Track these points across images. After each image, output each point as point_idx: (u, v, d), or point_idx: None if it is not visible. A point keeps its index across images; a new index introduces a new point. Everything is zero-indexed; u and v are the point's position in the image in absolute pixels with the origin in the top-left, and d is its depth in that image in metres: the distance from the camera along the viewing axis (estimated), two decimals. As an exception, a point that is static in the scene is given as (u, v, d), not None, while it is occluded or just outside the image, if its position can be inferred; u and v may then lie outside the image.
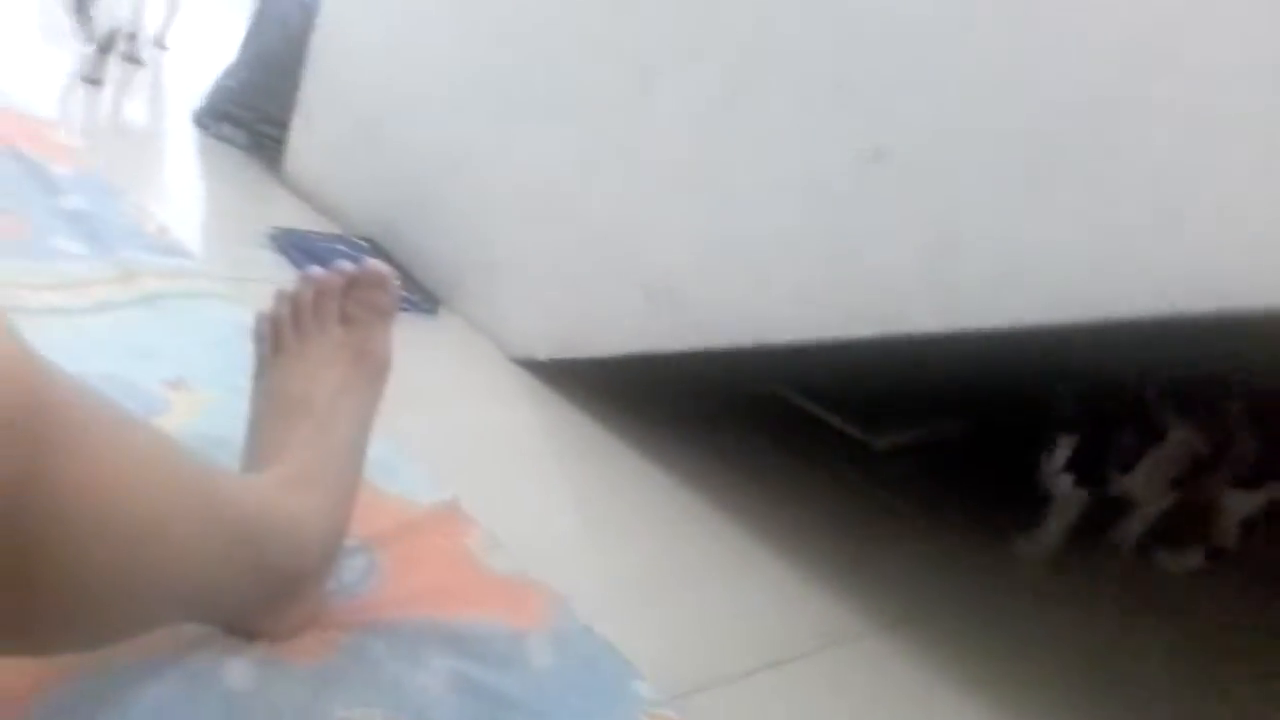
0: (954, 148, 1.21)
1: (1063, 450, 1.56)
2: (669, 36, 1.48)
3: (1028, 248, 1.17)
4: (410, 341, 1.69)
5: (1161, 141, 1.06)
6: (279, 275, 1.67)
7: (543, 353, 1.69)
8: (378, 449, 1.14)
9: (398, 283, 1.07)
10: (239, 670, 0.80)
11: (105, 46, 2.51)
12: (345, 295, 1.03)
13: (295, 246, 1.78)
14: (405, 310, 1.76)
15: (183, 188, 1.96)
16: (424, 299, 1.81)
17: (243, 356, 1.16)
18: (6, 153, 1.46)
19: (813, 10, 1.33)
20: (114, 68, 2.47)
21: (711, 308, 1.45)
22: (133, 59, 2.64)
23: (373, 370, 1.03)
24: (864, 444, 1.85)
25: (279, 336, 1.01)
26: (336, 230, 1.93)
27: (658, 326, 1.52)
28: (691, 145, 1.45)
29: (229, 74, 2.24)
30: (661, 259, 1.50)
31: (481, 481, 1.35)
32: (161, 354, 1.16)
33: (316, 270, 1.04)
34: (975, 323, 1.21)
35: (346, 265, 1.04)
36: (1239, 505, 1.70)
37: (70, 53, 2.60)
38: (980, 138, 1.19)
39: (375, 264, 1.04)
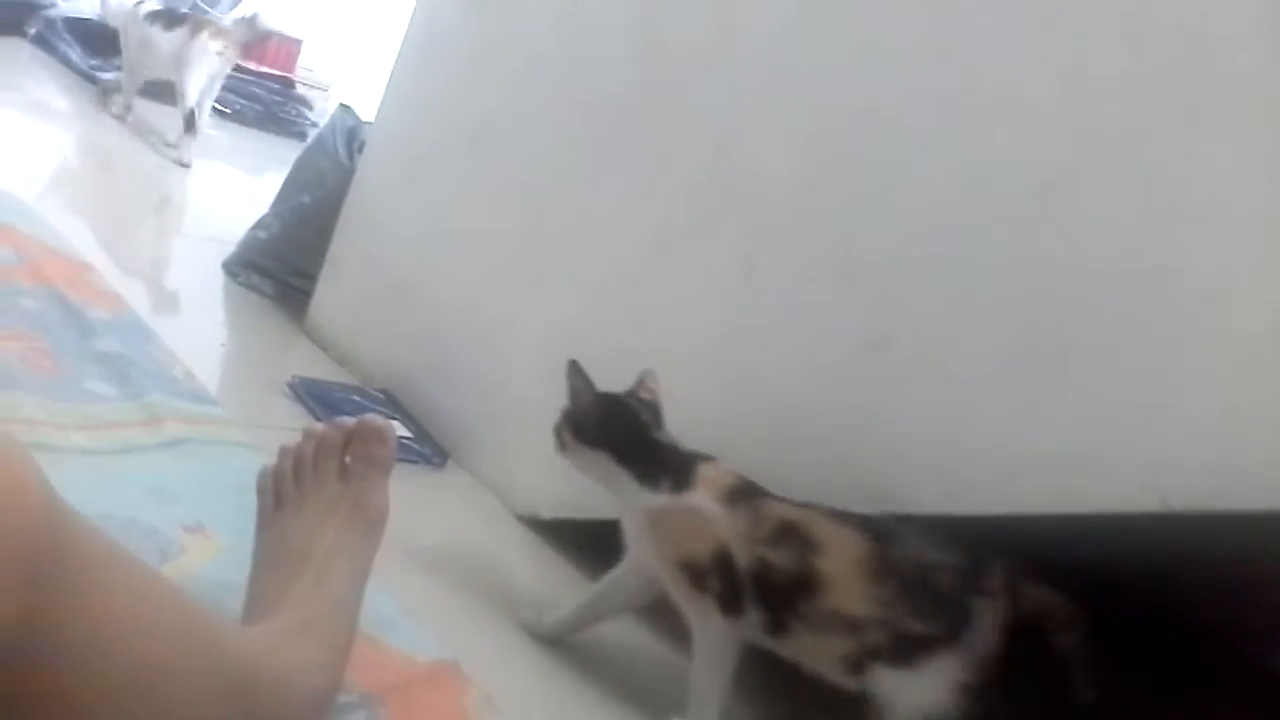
0: (957, 340, 1.27)
1: None
2: (683, 211, 1.56)
3: (1028, 437, 1.21)
4: (417, 494, 1.74)
5: (1156, 345, 1.11)
6: (295, 423, 1.71)
7: (547, 511, 1.72)
8: (381, 603, 1.16)
9: (397, 436, 1.10)
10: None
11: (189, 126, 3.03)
12: (344, 449, 1.07)
13: (312, 395, 1.83)
14: (414, 463, 1.80)
15: (208, 332, 2.01)
16: (434, 452, 1.84)
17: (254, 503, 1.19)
18: (49, 295, 1.53)
19: (815, 195, 1.41)
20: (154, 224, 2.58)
21: (717, 477, 1.48)
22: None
23: (369, 523, 1.05)
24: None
25: (280, 491, 1.05)
26: (354, 381, 1.98)
27: (663, 493, 1.55)
28: (704, 318, 1.51)
29: (261, 225, 2.33)
30: (671, 426, 1.54)
31: (480, 640, 1.36)
32: (181, 498, 1.19)
33: (317, 425, 1.08)
34: (980, 509, 1.24)
35: (346, 420, 1.08)
36: None
37: (116, 192, 2.71)
38: (983, 331, 1.25)
39: (373, 419, 1.09)
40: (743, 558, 1.19)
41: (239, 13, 4.27)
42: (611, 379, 1.64)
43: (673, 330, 1.56)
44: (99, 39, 3.60)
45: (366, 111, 2.40)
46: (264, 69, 4.00)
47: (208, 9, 4.15)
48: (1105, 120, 1.17)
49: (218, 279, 2.27)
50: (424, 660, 1.15)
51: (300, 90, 4.05)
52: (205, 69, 3.11)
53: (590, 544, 1.69)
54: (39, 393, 1.28)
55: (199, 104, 3.13)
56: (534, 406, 1.77)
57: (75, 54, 3.53)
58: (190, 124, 3.07)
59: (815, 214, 1.40)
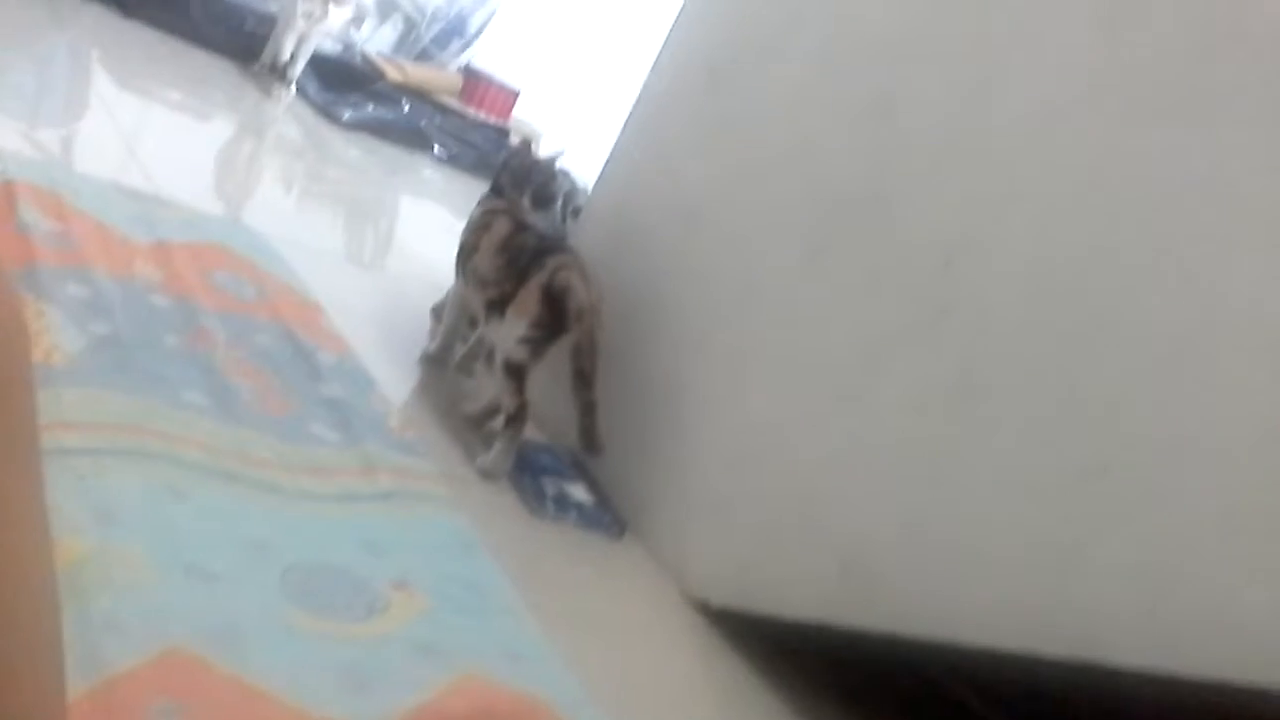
0: (1181, 482, 1.20)
1: None
2: (901, 315, 1.54)
3: (1252, 598, 1.14)
4: (593, 564, 1.76)
5: None
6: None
7: (719, 599, 1.71)
8: (567, 683, 1.18)
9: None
10: None
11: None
12: None
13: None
14: (592, 529, 1.82)
15: (411, 373, 2.08)
16: (612, 521, 1.86)
17: (457, 564, 1.23)
18: (283, 333, 1.62)
19: (1042, 315, 1.37)
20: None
21: (907, 594, 1.44)
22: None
23: None
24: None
25: None
26: (545, 439, 2.02)
27: (845, 600, 1.52)
28: (910, 430, 1.48)
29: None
30: (864, 534, 1.51)
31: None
32: (389, 553, 1.24)
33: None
34: (1179, 667, 1.17)
35: None
36: None
37: (325, 225, 2.86)
38: (1211, 475, 1.18)
39: None
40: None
41: (465, 59, 4.48)
42: (805, 472, 1.63)
43: (876, 435, 1.53)
44: (334, 76, 3.83)
45: (576, 159, 2.46)
46: (481, 116, 4.16)
47: (437, 52, 4.36)
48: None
49: (423, 320, 2.33)
50: None
51: (513, 138, 4.20)
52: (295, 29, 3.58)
53: (760, 637, 1.67)
54: (268, 431, 1.36)
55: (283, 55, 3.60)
56: (719, 493, 1.77)
57: (313, 88, 3.76)
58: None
59: (1040, 334, 1.36)
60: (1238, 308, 1.20)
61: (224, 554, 1.10)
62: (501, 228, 1.89)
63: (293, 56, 3.60)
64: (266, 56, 3.66)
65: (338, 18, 3.80)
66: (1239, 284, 1.20)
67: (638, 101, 2.12)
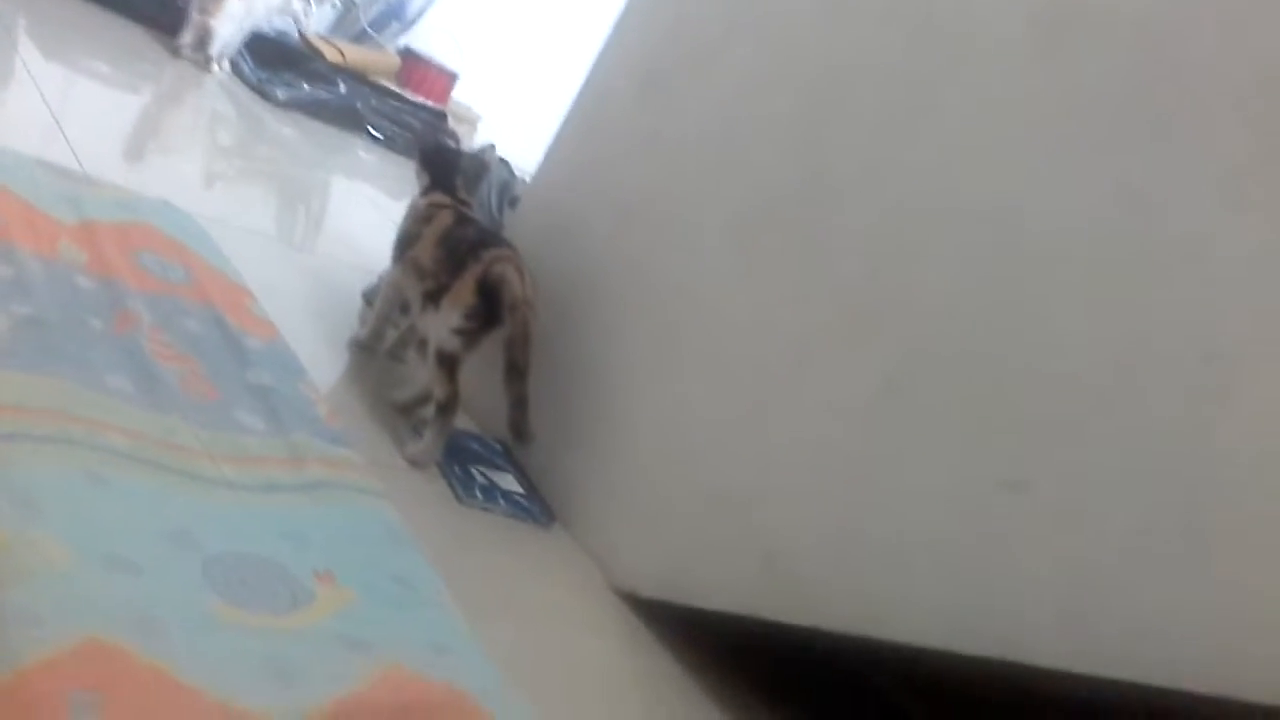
0: (1099, 499, 1.25)
1: None
2: (829, 321, 1.57)
3: (1164, 608, 1.19)
4: (521, 553, 1.76)
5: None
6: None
7: (645, 590, 1.72)
8: (491, 674, 1.19)
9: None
10: None
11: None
12: None
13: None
14: (521, 519, 1.83)
15: (340, 362, 2.07)
16: (541, 511, 1.87)
17: (384, 556, 1.23)
18: (211, 318, 1.60)
19: (968, 328, 1.40)
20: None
21: (827, 590, 1.48)
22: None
23: None
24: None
25: None
26: (475, 429, 2.02)
27: (769, 595, 1.55)
28: (837, 433, 1.51)
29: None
30: (786, 531, 1.54)
31: (561, 710, 1.37)
32: (314, 543, 1.23)
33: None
34: (1096, 669, 1.21)
35: None
36: None
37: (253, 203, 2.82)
38: (1127, 494, 1.23)
39: None
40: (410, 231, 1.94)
41: (403, 41, 4.43)
42: (730, 470, 1.65)
43: (803, 437, 1.56)
44: (269, 54, 3.76)
45: (512, 145, 2.45)
46: (419, 99, 4.12)
47: (374, 33, 4.31)
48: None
49: (354, 304, 2.31)
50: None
51: (451, 123, 4.16)
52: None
53: (684, 629, 1.70)
54: (193, 419, 1.34)
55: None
56: (648, 485, 1.79)
57: (248, 66, 3.69)
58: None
59: (965, 347, 1.40)
60: (1164, 329, 1.24)
61: (145, 543, 1.08)
62: (444, 220, 1.89)
63: (208, 33, 3.49)
64: (186, 32, 3.56)
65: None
66: (1168, 305, 1.24)
67: (577, 99, 2.12)
